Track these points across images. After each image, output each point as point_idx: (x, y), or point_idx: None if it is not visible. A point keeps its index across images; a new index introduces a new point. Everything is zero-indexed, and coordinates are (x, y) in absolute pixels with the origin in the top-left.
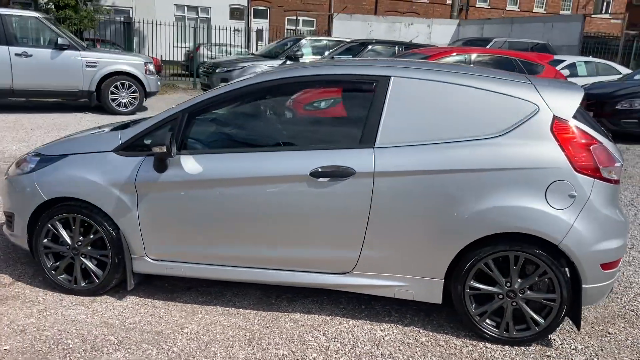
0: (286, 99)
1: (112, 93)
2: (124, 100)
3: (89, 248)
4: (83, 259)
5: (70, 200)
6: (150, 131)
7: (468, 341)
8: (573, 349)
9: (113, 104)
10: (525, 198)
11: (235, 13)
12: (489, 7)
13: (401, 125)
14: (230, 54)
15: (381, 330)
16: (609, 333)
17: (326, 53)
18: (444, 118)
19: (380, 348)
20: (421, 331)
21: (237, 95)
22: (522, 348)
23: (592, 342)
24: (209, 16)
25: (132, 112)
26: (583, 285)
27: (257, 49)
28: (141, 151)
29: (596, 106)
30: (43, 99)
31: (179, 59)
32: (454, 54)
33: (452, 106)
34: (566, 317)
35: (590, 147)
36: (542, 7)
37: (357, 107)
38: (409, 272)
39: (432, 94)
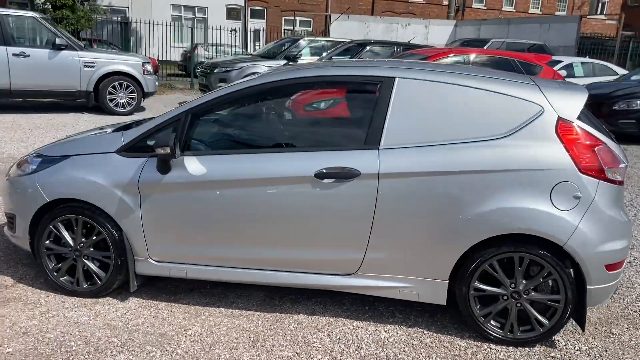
0: (290, 100)
1: (110, 93)
2: (121, 101)
3: (92, 249)
4: (85, 261)
5: (72, 202)
6: (153, 132)
7: (472, 342)
8: (577, 349)
9: (111, 104)
10: (530, 199)
11: (232, 13)
12: (485, 7)
13: (406, 126)
14: (227, 54)
15: (385, 331)
16: (613, 334)
17: (324, 54)
18: (449, 119)
19: (385, 349)
20: (425, 332)
21: (241, 96)
22: (527, 349)
23: (595, 343)
24: (205, 16)
25: (130, 113)
26: (587, 287)
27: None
28: (144, 152)
29: (593, 107)
30: (40, 99)
31: (176, 59)
32: (454, 54)
33: (456, 107)
34: (570, 318)
35: (595, 148)
36: (537, 7)
37: (361, 108)
38: (414, 273)
39: (436, 95)
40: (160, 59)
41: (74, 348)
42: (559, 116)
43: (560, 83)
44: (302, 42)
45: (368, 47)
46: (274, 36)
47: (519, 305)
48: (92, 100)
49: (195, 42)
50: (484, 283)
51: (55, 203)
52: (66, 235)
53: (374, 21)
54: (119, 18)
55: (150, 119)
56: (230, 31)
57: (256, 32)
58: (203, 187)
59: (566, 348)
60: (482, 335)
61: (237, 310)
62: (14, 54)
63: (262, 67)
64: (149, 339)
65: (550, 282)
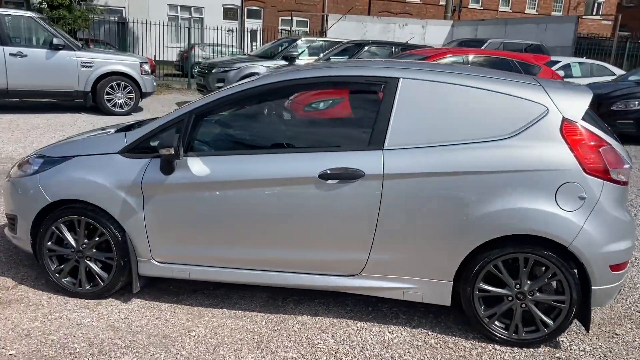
0: (294, 101)
1: (108, 93)
2: (119, 101)
3: (94, 251)
4: (88, 262)
5: (75, 203)
6: (156, 133)
7: (477, 343)
8: (582, 350)
9: (108, 105)
10: (535, 200)
11: (229, 13)
12: (482, 8)
13: (410, 126)
14: (224, 54)
15: (389, 332)
16: (616, 334)
17: (321, 55)
18: (453, 120)
19: (389, 350)
20: (430, 333)
21: (245, 96)
22: (531, 350)
23: (600, 344)
24: (202, 16)
25: (128, 113)
26: (592, 287)
27: (251, 49)
28: (148, 153)
29: (592, 107)
30: (38, 99)
31: (172, 59)
32: (452, 55)
33: (460, 108)
34: (575, 319)
35: (600, 149)
36: (534, 8)
37: (365, 108)
38: (418, 274)
39: (440, 96)
40: (156, 59)
41: (77, 350)
42: (563, 117)
43: (564, 83)
44: (299, 43)
45: (366, 48)
46: (270, 36)
47: (523, 306)
48: (90, 100)
49: (192, 42)
50: (489, 284)
51: (57, 204)
52: (69, 236)
53: (372, 21)
54: (116, 18)
55: (153, 119)
56: (227, 31)
57: (253, 32)
58: (207, 188)
59: (571, 349)
60: (486, 336)
61: (240, 311)
62: (11, 54)
63: (261, 67)
64: (152, 341)
65: (554, 282)
